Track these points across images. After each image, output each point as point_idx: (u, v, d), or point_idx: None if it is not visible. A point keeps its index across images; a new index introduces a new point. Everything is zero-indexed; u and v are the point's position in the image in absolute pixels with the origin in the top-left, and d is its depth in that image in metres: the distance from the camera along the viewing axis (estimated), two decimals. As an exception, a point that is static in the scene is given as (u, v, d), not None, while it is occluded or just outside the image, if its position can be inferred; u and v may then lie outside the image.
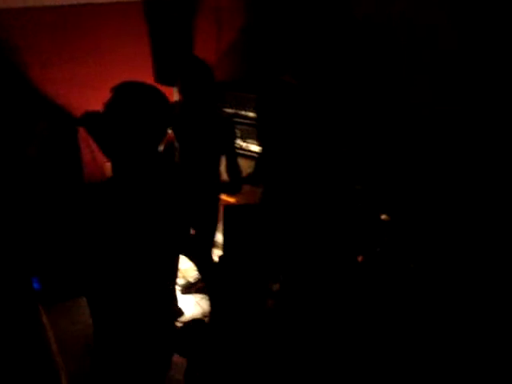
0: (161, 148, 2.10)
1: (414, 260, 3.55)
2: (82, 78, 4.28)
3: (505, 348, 3.08)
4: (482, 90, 3.66)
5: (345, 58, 4.29)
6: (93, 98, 2.85)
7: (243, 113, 4.36)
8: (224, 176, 3.85)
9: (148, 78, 4.45)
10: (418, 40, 4.07)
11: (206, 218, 3.90)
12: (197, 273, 4.34)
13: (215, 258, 4.42)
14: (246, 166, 4.02)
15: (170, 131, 3.53)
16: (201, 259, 3.90)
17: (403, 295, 3.46)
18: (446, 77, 3.96)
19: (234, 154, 3.78)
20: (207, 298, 4.01)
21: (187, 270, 4.55)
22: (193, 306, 4.26)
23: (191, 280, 4.43)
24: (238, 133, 4.29)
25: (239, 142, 4.38)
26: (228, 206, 3.77)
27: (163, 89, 2.13)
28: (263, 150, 3.85)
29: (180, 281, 4.52)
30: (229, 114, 4.39)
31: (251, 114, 4.30)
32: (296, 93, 3.80)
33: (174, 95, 3.69)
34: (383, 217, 3.86)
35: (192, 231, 3.63)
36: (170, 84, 3.75)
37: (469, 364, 3.11)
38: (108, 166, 2.34)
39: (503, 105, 3.50)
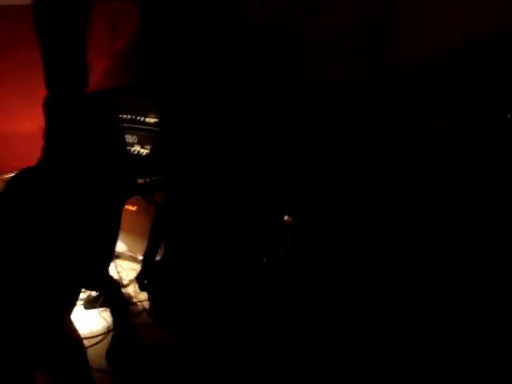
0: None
1: (316, 260, 3.59)
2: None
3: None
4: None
5: (240, 60, 4.30)
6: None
7: (141, 118, 4.26)
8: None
9: (39, 85, 4.26)
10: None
11: (102, 229, 3.73)
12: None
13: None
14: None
15: None
16: (99, 272, 3.78)
17: (305, 295, 3.49)
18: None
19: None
20: (110, 310, 3.86)
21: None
22: (96, 319, 4.10)
23: (93, 293, 4.27)
24: (136, 138, 4.21)
25: (137, 148, 4.28)
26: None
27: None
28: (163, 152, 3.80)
29: (82, 295, 4.34)
30: (125, 119, 4.28)
31: (149, 120, 4.21)
32: (195, 96, 3.77)
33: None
34: (286, 218, 3.88)
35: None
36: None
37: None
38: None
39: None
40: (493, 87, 3.61)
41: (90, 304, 4.24)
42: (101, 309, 4.17)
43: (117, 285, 3.90)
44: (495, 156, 3.42)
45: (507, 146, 3.32)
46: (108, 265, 3.76)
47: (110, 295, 3.82)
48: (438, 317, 3.25)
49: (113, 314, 3.81)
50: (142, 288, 3.64)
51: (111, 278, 3.86)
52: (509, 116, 3.34)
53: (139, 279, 3.32)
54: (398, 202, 3.32)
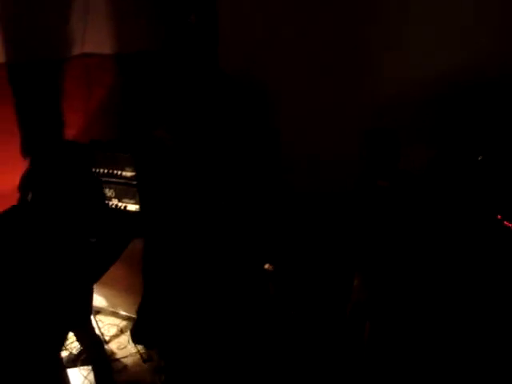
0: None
1: (296, 308, 3.57)
2: None
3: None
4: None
5: (215, 108, 4.36)
6: None
7: (118, 172, 4.24)
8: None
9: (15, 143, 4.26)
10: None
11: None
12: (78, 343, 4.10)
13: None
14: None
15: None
16: (80, 329, 3.70)
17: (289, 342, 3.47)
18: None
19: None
20: (91, 368, 3.77)
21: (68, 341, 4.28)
22: (77, 378, 4.00)
23: (74, 351, 4.17)
24: (113, 192, 4.19)
25: (115, 202, 4.25)
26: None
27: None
28: (142, 204, 3.80)
29: (63, 353, 4.23)
30: (102, 173, 4.26)
31: (126, 174, 4.20)
32: (170, 147, 3.79)
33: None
34: (267, 266, 3.87)
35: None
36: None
37: None
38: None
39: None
40: (464, 130, 3.68)
41: (70, 363, 4.13)
42: (82, 367, 4.07)
43: (100, 341, 3.83)
44: (466, 195, 3.48)
45: (477, 187, 3.39)
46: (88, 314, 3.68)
47: (92, 352, 3.74)
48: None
49: (95, 372, 3.72)
50: (137, 341, 3.61)
51: (94, 333, 3.78)
52: (479, 158, 3.41)
53: (135, 332, 3.30)
54: (377, 243, 3.34)
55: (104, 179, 4.19)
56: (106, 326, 4.60)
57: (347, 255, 3.59)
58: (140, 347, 4.16)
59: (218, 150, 4.18)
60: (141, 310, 4.23)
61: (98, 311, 4.65)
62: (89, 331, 3.67)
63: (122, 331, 4.55)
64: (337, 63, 4.29)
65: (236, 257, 3.89)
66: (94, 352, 3.73)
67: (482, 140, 3.54)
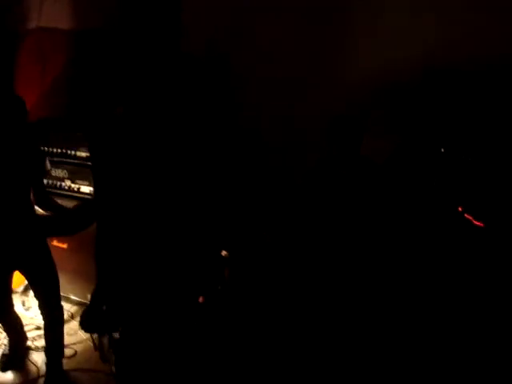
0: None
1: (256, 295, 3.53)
2: None
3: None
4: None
5: (175, 88, 4.26)
6: None
7: (71, 152, 4.09)
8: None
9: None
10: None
11: (38, 266, 3.50)
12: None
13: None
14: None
15: None
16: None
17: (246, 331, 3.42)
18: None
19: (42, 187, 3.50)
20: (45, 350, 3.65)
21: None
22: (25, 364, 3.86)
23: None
24: (67, 174, 4.04)
25: (68, 183, 4.11)
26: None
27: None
28: (97, 185, 3.69)
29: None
30: (55, 153, 4.10)
31: (80, 154, 4.05)
32: (129, 125, 3.67)
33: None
34: (223, 253, 3.81)
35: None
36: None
37: None
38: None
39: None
40: (428, 122, 3.68)
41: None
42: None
43: (62, 316, 3.65)
44: (427, 187, 3.49)
45: (439, 179, 3.40)
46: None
47: (51, 327, 3.58)
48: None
49: (47, 354, 3.59)
50: (87, 328, 3.52)
51: (59, 306, 3.61)
52: (442, 150, 3.42)
53: (85, 320, 3.22)
54: (336, 229, 3.31)
55: (57, 159, 4.04)
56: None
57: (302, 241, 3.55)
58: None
59: (178, 131, 4.09)
60: (94, 297, 4.12)
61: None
62: (55, 300, 3.52)
63: (72, 317, 4.44)
64: (306, 50, 4.22)
65: (192, 243, 3.81)
66: (53, 328, 3.58)
67: (445, 132, 3.55)
